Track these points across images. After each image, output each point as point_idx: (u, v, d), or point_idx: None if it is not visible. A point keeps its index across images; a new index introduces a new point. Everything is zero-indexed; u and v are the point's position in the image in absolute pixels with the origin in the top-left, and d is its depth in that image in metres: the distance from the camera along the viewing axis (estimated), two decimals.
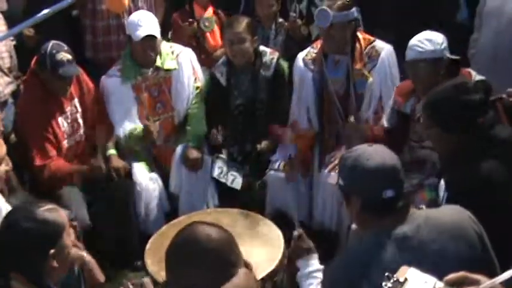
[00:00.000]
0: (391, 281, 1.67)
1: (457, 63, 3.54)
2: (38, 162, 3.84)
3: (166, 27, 4.74)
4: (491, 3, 4.07)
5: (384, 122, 3.82)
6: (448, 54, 3.51)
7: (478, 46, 4.12)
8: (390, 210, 2.15)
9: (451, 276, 1.69)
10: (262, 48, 4.32)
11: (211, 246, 1.75)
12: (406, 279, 1.68)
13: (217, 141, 4.25)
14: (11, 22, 4.12)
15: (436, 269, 1.77)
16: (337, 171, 3.80)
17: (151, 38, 4.10)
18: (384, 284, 1.67)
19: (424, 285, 1.67)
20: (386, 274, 1.69)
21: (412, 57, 3.52)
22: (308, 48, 4.12)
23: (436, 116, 2.80)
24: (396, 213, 2.15)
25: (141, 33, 4.06)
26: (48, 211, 2.25)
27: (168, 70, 4.28)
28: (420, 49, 3.48)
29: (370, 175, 2.15)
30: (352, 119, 3.87)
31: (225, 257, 1.76)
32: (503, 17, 3.97)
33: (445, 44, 3.50)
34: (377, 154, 2.19)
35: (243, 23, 4.16)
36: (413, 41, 3.52)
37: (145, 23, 4.09)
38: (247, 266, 1.78)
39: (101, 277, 2.64)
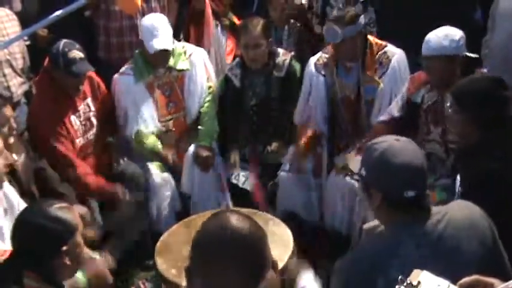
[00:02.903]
0: (405, 284, 1.67)
1: (473, 62, 3.51)
2: (64, 150, 3.86)
3: (178, 27, 4.76)
4: (504, 4, 4.05)
5: (394, 112, 3.79)
6: (465, 52, 3.45)
7: (491, 47, 4.10)
8: (411, 208, 2.13)
9: (465, 280, 1.69)
10: (274, 48, 4.33)
11: (247, 240, 1.61)
12: (419, 283, 1.67)
13: (234, 164, 4.26)
14: (25, 23, 4.16)
15: (451, 266, 1.77)
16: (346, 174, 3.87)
17: (164, 50, 4.12)
18: (397, 287, 1.67)
19: None
20: (400, 277, 1.68)
21: (428, 53, 3.46)
22: (320, 53, 4.13)
23: (470, 106, 2.78)
24: (417, 212, 2.14)
25: (156, 46, 4.06)
26: (61, 209, 2.28)
27: (180, 70, 4.30)
28: (436, 44, 3.42)
29: (394, 173, 2.11)
30: None
31: (259, 255, 1.62)
32: None
33: (462, 41, 3.43)
34: (404, 151, 2.14)
35: (258, 26, 4.16)
36: (431, 35, 3.45)
37: (160, 32, 4.08)
38: (273, 265, 1.66)
39: (109, 279, 2.67)
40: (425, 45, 3.47)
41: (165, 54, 4.17)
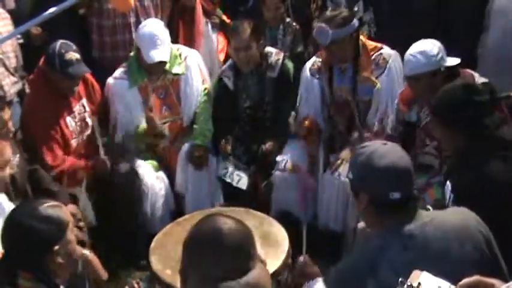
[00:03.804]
0: (405, 286, 1.66)
1: (457, 66, 3.50)
2: (50, 162, 3.84)
3: (172, 28, 4.74)
4: (499, 2, 4.05)
5: (388, 130, 3.80)
6: (445, 64, 3.44)
7: (486, 45, 4.10)
8: (397, 210, 2.14)
9: (466, 280, 1.67)
10: (267, 49, 4.32)
11: (232, 238, 1.72)
12: (419, 284, 1.66)
13: (226, 151, 4.25)
14: (18, 21, 4.13)
15: (441, 268, 1.76)
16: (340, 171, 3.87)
17: (162, 61, 4.11)
18: None
19: None
20: (400, 279, 1.67)
21: (409, 73, 3.49)
22: (314, 57, 4.14)
23: (444, 115, 2.80)
24: (403, 214, 2.15)
25: (155, 57, 4.05)
26: (51, 208, 2.25)
27: (176, 74, 4.29)
28: (414, 64, 3.42)
29: (380, 175, 2.14)
30: None
31: (245, 250, 1.73)
32: (510, 16, 3.95)
33: (441, 54, 3.43)
34: (390, 154, 2.17)
35: (248, 29, 4.14)
36: (407, 55, 3.46)
37: (158, 42, 4.06)
38: (261, 259, 1.76)
39: (103, 275, 2.65)
40: (405, 65, 3.50)
41: (163, 65, 4.16)
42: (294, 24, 4.77)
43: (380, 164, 2.14)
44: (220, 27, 4.99)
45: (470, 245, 2.11)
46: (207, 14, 4.97)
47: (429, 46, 3.43)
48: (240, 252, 1.72)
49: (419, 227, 2.12)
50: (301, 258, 2.70)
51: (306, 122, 4.05)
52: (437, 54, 3.42)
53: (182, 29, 4.92)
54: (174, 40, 4.62)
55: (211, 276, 1.68)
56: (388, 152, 2.18)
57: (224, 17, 5.00)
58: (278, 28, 4.77)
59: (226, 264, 1.69)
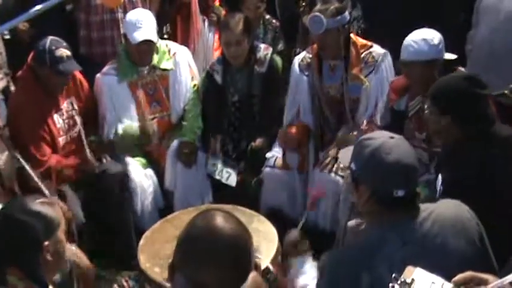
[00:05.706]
0: (398, 282, 1.66)
1: (453, 62, 3.50)
2: (39, 157, 3.80)
3: (161, 23, 4.72)
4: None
5: (378, 121, 3.80)
6: (444, 56, 3.43)
7: (475, 42, 4.10)
8: (399, 207, 2.11)
9: (459, 276, 1.68)
10: (255, 43, 4.32)
11: (232, 243, 1.62)
12: (413, 280, 1.66)
13: (215, 150, 4.23)
14: (4, 17, 4.09)
15: (438, 263, 1.76)
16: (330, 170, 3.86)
17: (148, 42, 4.07)
18: (391, 285, 1.66)
19: (432, 286, 1.66)
20: (393, 275, 1.67)
21: (406, 58, 3.45)
22: (304, 53, 4.13)
23: (444, 103, 2.79)
24: (405, 210, 2.12)
25: (138, 37, 4.03)
26: (43, 205, 2.26)
27: (164, 70, 4.27)
28: (415, 49, 3.39)
29: (385, 171, 2.09)
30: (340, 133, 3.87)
31: (243, 257, 1.64)
32: (499, 13, 3.95)
33: (441, 45, 3.41)
34: (397, 149, 2.11)
35: (239, 22, 4.12)
36: (408, 40, 3.43)
37: (143, 25, 4.05)
38: (256, 266, 1.67)
39: (92, 274, 2.64)
40: (403, 50, 3.45)
41: (149, 47, 4.13)
42: (274, 21, 4.76)
43: (387, 159, 2.09)
44: (218, 25, 4.96)
45: (465, 239, 2.10)
46: (205, 11, 4.94)
47: (431, 35, 3.41)
48: (237, 260, 1.62)
49: (418, 222, 2.11)
50: (292, 233, 2.65)
51: (294, 130, 4.03)
52: (438, 44, 3.40)
53: (179, 27, 4.91)
54: (173, 38, 4.62)
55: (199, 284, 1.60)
56: (395, 146, 2.13)
57: (223, 14, 4.98)
58: (258, 27, 4.76)
59: (220, 273, 1.60)
